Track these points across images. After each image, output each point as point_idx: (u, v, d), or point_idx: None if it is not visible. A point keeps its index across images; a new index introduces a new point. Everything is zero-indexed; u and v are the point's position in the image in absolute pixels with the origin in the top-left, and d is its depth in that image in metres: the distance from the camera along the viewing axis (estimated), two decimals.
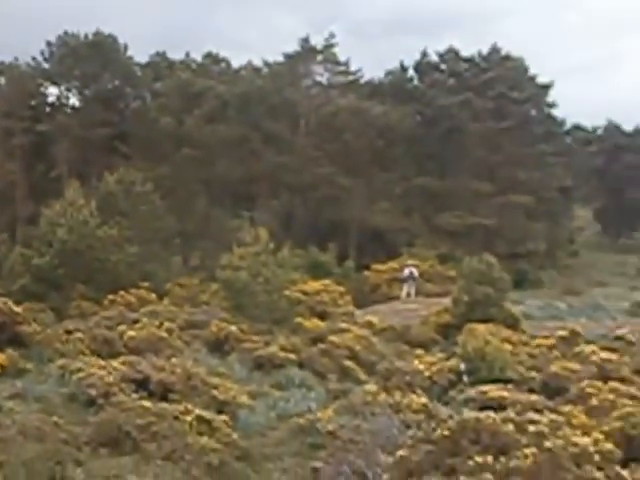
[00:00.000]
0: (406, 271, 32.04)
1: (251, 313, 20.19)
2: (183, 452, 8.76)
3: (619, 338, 21.14)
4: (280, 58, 54.50)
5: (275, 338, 17.49)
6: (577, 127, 74.39)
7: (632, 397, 12.36)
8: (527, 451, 6.70)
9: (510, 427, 7.14)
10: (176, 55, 57.95)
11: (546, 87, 56.28)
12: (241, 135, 47.73)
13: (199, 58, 54.02)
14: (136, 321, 17.77)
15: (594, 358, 16.49)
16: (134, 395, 10.99)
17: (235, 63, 56.28)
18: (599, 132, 73.95)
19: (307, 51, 53.73)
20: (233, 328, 17.75)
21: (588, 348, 17.92)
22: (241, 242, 25.99)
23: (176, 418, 9.54)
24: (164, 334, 16.21)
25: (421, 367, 13.93)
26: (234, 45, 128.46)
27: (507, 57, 56.33)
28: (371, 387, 12.69)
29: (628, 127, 71.99)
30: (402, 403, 10.76)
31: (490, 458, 6.71)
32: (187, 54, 54.30)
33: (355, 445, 8.95)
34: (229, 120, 48.50)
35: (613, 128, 71.91)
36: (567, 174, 56.58)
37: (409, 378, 12.37)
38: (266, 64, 54.94)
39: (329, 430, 9.93)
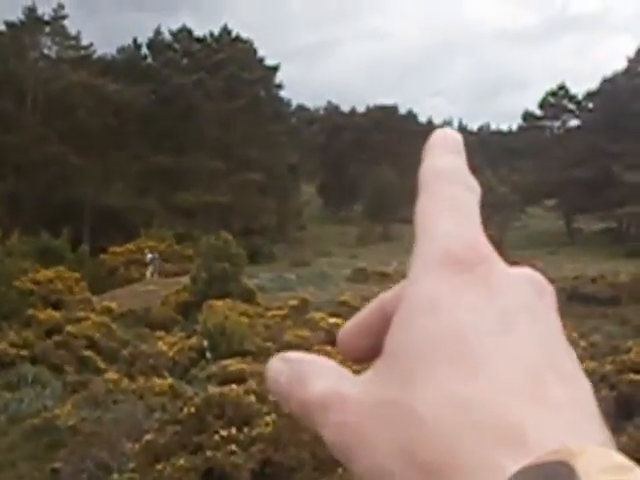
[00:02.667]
0: (149, 255, 33.23)
1: None
2: None
3: (343, 303, 22.92)
4: (2, 27, 50.64)
5: (4, 334, 16.25)
6: (301, 107, 79.16)
7: None
8: (268, 419, 7.09)
9: (252, 398, 7.50)
10: None
11: (274, 69, 58.72)
12: None
13: None
14: None
15: (322, 324, 17.81)
16: None
17: None
18: (321, 112, 79.31)
19: (33, 21, 50.26)
20: None
21: (317, 315, 19.33)
22: None
23: None
24: None
25: (165, 348, 13.97)
26: None
27: (237, 39, 57.80)
28: (112, 375, 12.44)
29: (345, 108, 78.27)
30: (145, 387, 10.74)
31: (234, 430, 7.02)
32: None
33: (98, 437, 8.75)
34: None
35: (333, 108, 77.66)
36: (294, 152, 59.81)
37: (153, 361, 12.33)
38: None
39: (69, 426, 9.55)
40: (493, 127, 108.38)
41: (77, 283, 25.14)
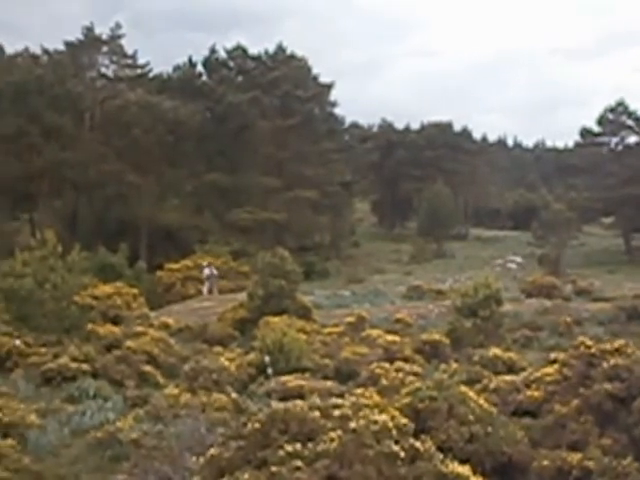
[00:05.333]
0: (206, 271, 32.60)
1: (38, 323, 18.83)
2: None
3: (399, 321, 22.77)
4: (61, 47, 52.11)
5: (66, 348, 16.52)
6: (355, 125, 79.04)
7: (415, 374, 13.48)
8: (332, 434, 7.00)
9: (316, 413, 7.41)
10: None
11: (328, 86, 58.93)
12: (18, 128, 44.37)
13: None
14: None
15: (380, 341, 17.71)
16: None
17: (9, 50, 52.75)
18: (374, 130, 79.04)
19: (91, 41, 51.55)
20: (17, 342, 16.52)
21: (374, 332, 19.26)
22: (22, 246, 24.16)
23: None
24: None
25: (227, 364, 14.04)
26: (6, 30, 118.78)
27: (292, 56, 58.22)
28: (172, 390, 12.50)
29: (400, 125, 77.82)
30: (208, 402, 10.75)
31: (299, 445, 6.93)
32: None
33: (160, 451, 8.73)
34: (3, 112, 44.88)
35: (386, 126, 77.29)
36: (347, 169, 59.81)
37: (216, 376, 12.38)
38: (46, 52, 51.91)
39: (132, 439, 9.58)
40: (549, 144, 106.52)
41: (135, 299, 25.51)
